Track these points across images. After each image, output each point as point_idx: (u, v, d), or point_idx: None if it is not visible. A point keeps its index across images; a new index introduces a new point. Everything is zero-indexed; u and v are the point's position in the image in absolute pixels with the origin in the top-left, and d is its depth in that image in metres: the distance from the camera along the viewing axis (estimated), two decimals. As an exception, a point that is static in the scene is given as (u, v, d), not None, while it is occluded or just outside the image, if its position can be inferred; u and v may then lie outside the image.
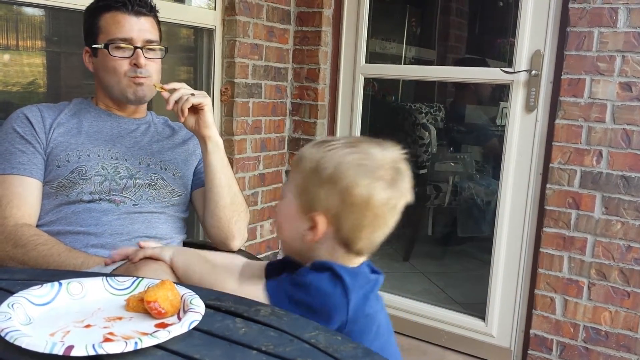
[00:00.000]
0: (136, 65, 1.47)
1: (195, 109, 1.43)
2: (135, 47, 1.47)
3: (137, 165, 1.50)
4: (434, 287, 3.22)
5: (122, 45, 1.47)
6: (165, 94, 1.42)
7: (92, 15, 1.51)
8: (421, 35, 4.90)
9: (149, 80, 1.50)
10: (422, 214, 3.78)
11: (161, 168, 1.53)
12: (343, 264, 0.96)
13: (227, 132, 2.56)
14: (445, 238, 3.93)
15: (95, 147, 1.47)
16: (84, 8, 1.56)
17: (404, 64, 4.47)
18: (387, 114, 3.90)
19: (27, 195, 1.39)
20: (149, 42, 1.50)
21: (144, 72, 1.48)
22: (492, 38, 4.55)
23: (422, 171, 3.62)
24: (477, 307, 2.61)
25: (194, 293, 0.88)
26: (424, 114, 3.79)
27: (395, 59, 4.43)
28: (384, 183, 0.93)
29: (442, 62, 4.73)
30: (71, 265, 1.29)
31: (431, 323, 2.67)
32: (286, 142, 2.89)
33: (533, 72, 2.30)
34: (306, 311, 0.91)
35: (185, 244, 1.66)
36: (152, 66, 1.50)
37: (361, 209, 0.92)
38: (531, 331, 2.39)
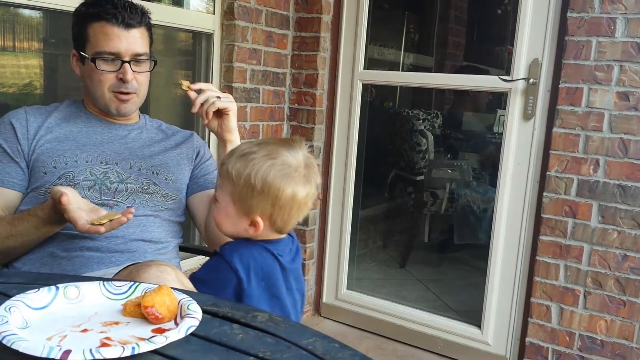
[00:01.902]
0: (122, 80, 1.45)
1: (220, 113, 1.42)
2: (123, 62, 1.44)
3: (127, 170, 1.48)
4: (430, 294, 3.22)
5: (109, 58, 1.43)
6: (192, 95, 1.41)
7: (81, 21, 1.47)
8: (420, 42, 4.91)
9: (134, 96, 1.49)
10: (419, 221, 3.78)
11: (153, 172, 1.51)
12: (271, 238, 1.22)
13: (224, 137, 2.55)
14: (441, 245, 3.93)
15: (84, 152, 1.45)
16: (69, 9, 1.53)
17: (402, 70, 4.48)
18: (385, 120, 3.91)
19: None
20: (137, 55, 1.46)
21: (129, 87, 1.46)
22: (491, 46, 4.57)
23: (419, 177, 3.62)
24: (473, 315, 2.61)
25: (191, 298, 0.88)
26: (421, 121, 3.80)
27: (393, 66, 4.43)
28: (301, 182, 1.16)
29: (440, 69, 4.74)
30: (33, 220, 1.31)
31: (427, 330, 2.67)
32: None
33: (531, 80, 2.31)
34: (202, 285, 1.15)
35: (182, 248, 1.66)
36: (139, 79, 1.48)
37: (288, 206, 1.16)
38: (527, 339, 2.39)
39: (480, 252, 2.77)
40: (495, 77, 2.42)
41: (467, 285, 3.24)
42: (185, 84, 1.45)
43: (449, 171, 3.70)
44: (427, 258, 3.84)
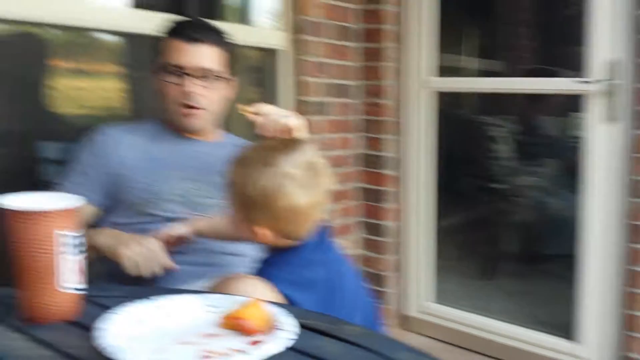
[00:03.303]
0: (185, 93, 1.48)
1: (286, 130, 1.44)
2: (186, 74, 1.47)
3: (211, 186, 1.51)
4: (518, 306, 3.09)
5: (174, 70, 1.48)
6: (252, 117, 1.42)
7: (160, 38, 1.56)
8: (486, 46, 4.82)
9: (202, 112, 1.51)
10: (502, 231, 3.65)
11: None
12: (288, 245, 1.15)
13: (296, 151, 2.58)
14: (528, 255, 3.77)
15: (168, 169, 1.50)
16: (153, 33, 1.60)
17: (470, 76, 4.39)
18: (455, 127, 3.83)
19: None
20: (204, 70, 1.49)
21: (193, 101, 1.48)
22: (561, 47, 4.41)
23: (498, 186, 3.52)
24: (563, 328, 2.49)
25: (284, 311, 0.88)
26: (496, 127, 3.71)
27: (460, 72, 4.36)
28: (300, 190, 1.08)
29: (510, 73, 4.62)
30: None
31: (514, 343, 2.57)
32: (356, 159, 2.88)
33: (610, 81, 2.21)
34: None
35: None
36: (208, 96, 1.50)
37: (290, 217, 1.09)
38: (630, 355, 2.25)
39: (565, 262, 2.64)
40: (570, 80, 2.33)
41: (556, 297, 3.09)
42: (241, 107, 1.44)
43: (528, 178, 3.58)
44: (514, 269, 3.69)
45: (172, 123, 1.57)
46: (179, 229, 1.37)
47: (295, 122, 1.41)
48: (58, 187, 1.48)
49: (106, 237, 1.40)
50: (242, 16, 2.81)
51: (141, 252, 1.30)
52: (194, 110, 1.50)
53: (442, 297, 2.93)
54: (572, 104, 3.59)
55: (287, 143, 1.17)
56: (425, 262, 2.85)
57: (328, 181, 1.15)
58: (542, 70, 3.74)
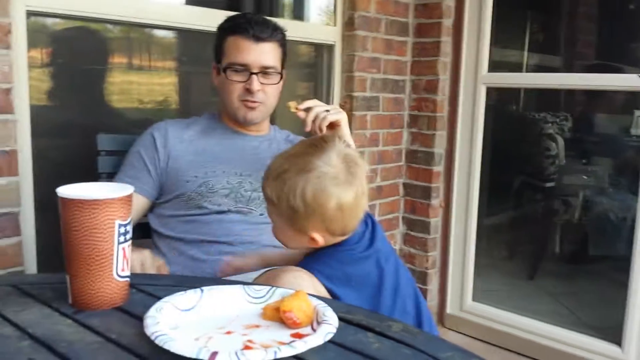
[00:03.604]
0: (249, 90, 1.52)
1: (332, 125, 1.45)
2: (251, 73, 1.52)
3: (259, 180, 1.53)
4: (562, 308, 3.02)
5: (239, 69, 1.53)
6: (302, 114, 1.45)
7: (220, 35, 1.59)
8: (544, 41, 4.67)
9: (261, 106, 1.56)
10: (549, 230, 3.57)
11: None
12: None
13: (345, 145, 2.58)
14: (574, 256, 3.67)
15: (221, 163, 1.54)
16: (210, 29, 1.64)
17: (526, 71, 4.27)
18: (509, 124, 3.75)
19: None
20: (266, 67, 1.54)
21: (256, 97, 1.53)
22: (624, 43, 4.24)
23: (549, 184, 3.43)
24: (612, 332, 2.41)
25: (326, 305, 0.88)
26: (550, 124, 3.60)
27: (516, 67, 4.24)
28: (344, 187, 1.08)
29: (568, 69, 4.47)
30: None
31: (556, 345, 2.51)
32: (404, 155, 2.86)
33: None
34: None
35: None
36: (267, 91, 1.55)
37: (339, 216, 1.09)
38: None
39: (618, 265, 2.56)
40: (635, 76, 2.23)
41: (603, 300, 3.00)
42: (292, 105, 1.48)
43: (583, 177, 3.46)
44: (558, 270, 3.61)
45: (229, 117, 1.61)
46: (244, 260, 1.38)
47: (336, 117, 1.43)
48: (114, 179, 1.53)
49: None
50: (296, 11, 2.83)
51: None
52: (255, 105, 1.55)
53: (484, 295, 2.89)
54: (633, 101, 3.45)
55: (315, 144, 1.14)
56: (468, 260, 2.81)
57: (364, 167, 1.14)
58: (603, 66, 3.61)
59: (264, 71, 1.54)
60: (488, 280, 3.06)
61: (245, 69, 1.53)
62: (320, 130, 1.43)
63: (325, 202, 1.07)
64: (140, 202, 1.52)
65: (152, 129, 1.58)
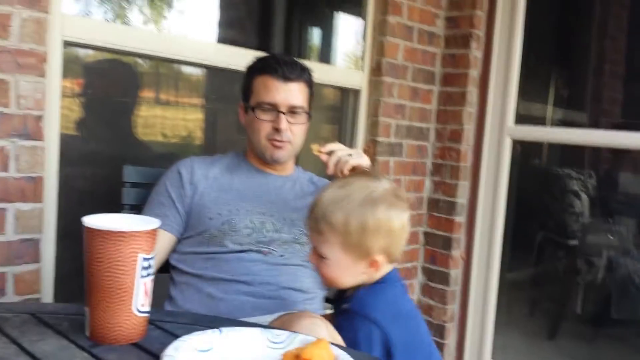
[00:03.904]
0: (277, 130, 1.53)
1: (354, 169, 1.44)
2: (279, 112, 1.53)
3: (281, 221, 1.54)
4: (579, 370, 2.92)
5: (267, 108, 1.53)
6: (324, 157, 1.44)
7: (249, 74, 1.60)
8: (569, 96, 4.67)
9: (288, 145, 1.56)
10: (571, 289, 3.47)
11: (304, 224, 1.56)
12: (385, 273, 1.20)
13: (367, 190, 2.57)
14: (596, 318, 3.56)
15: (245, 202, 1.53)
16: (239, 68, 1.66)
17: (550, 126, 4.26)
18: (533, 178, 3.71)
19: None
20: (294, 107, 1.55)
21: (284, 136, 1.54)
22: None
23: (572, 242, 3.36)
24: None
25: (348, 355, 0.86)
26: (574, 181, 3.56)
27: (540, 121, 4.23)
28: (401, 208, 1.18)
29: (593, 125, 4.44)
30: None
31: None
32: (425, 203, 2.84)
33: None
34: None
35: (328, 300, 1.66)
36: (294, 130, 1.56)
37: (400, 235, 1.18)
38: None
39: (638, 328, 2.47)
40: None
41: (626, 365, 2.90)
42: (315, 147, 1.48)
43: (608, 236, 3.39)
44: (579, 331, 3.50)
45: (255, 156, 1.62)
46: None
47: (358, 161, 1.43)
48: (141, 214, 1.53)
49: None
50: (323, 55, 2.87)
51: None
52: (283, 144, 1.55)
53: (503, 353, 2.81)
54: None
55: (364, 173, 1.27)
56: (487, 315, 2.74)
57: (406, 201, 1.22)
58: (630, 124, 3.58)
59: (292, 111, 1.55)
60: (507, 337, 2.98)
61: (274, 108, 1.53)
62: (342, 174, 1.43)
63: (393, 219, 1.15)
64: (168, 240, 1.51)
65: (177, 166, 1.58)
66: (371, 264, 1.16)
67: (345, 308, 1.18)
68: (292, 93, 1.54)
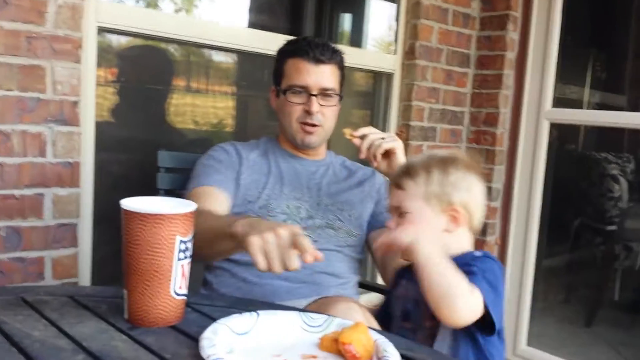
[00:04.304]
0: (308, 112, 1.51)
1: (387, 153, 1.42)
2: (310, 94, 1.51)
3: (315, 206, 1.53)
4: (621, 358, 2.86)
5: (298, 91, 1.52)
6: (357, 141, 1.43)
7: (280, 58, 1.58)
8: (608, 79, 4.54)
9: (319, 129, 1.54)
10: (608, 276, 3.40)
11: (338, 209, 1.55)
12: (468, 249, 1.21)
13: (400, 175, 2.54)
14: (634, 304, 3.49)
15: (282, 186, 1.53)
16: (271, 53, 1.64)
17: (587, 109, 4.15)
18: (570, 162, 3.63)
19: (220, 205, 1.43)
20: (325, 89, 1.52)
21: (315, 119, 1.52)
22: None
23: (610, 227, 3.28)
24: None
25: (386, 340, 0.84)
26: (612, 165, 3.46)
27: (577, 104, 4.13)
28: (478, 174, 1.20)
29: (634, 108, 4.32)
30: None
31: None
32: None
33: None
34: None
35: (361, 285, 1.65)
36: (325, 113, 1.54)
37: (480, 197, 1.19)
38: None
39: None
40: None
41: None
42: (347, 132, 1.47)
43: (644, 222, 3.31)
44: (618, 318, 3.43)
45: (288, 140, 1.60)
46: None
47: (392, 144, 1.41)
48: (190, 186, 1.50)
49: (241, 224, 1.10)
50: (354, 39, 2.84)
51: (274, 242, 1.00)
52: (314, 128, 1.53)
53: (539, 340, 2.76)
54: None
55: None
56: (523, 302, 2.70)
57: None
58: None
59: (323, 93, 1.53)
60: (543, 324, 2.93)
61: (305, 91, 1.52)
62: (375, 158, 1.41)
63: (472, 178, 1.18)
64: (229, 202, 1.46)
65: (220, 145, 1.57)
66: (452, 218, 1.16)
67: (474, 255, 1.17)
68: (323, 75, 1.52)
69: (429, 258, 1.06)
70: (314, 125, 1.53)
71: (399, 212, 1.19)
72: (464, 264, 1.10)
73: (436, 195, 1.16)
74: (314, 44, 1.53)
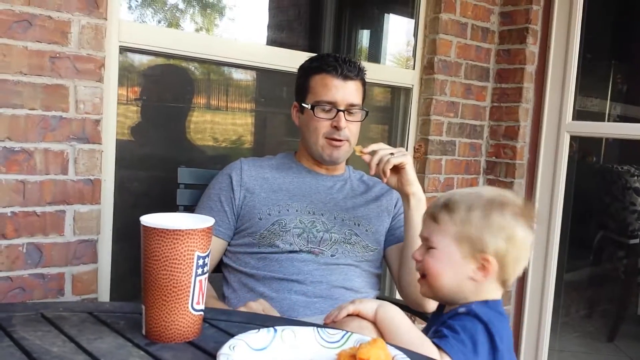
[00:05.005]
0: (336, 128, 1.52)
1: (397, 168, 1.43)
2: (338, 110, 1.52)
3: (332, 220, 1.53)
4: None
5: (326, 107, 1.53)
6: (367, 158, 1.44)
7: (304, 74, 1.60)
8: (628, 92, 4.49)
9: (346, 144, 1.55)
10: (631, 290, 3.34)
11: (355, 224, 1.55)
12: (494, 298, 1.10)
13: (418, 190, 2.53)
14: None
15: (295, 202, 1.53)
16: (291, 70, 1.65)
17: (608, 121, 4.11)
18: (590, 175, 3.58)
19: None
20: (352, 105, 1.54)
21: (342, 135, 1.53)
22: None
23: (632, 241, 3.22)
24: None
25: (405, 356, 0.83)
26: (634, 177, 3.41)
27: (598, 117, 4.09)
28: (529, 226, 1.08)
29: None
30: None
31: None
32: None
33: None
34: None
35: (380, 300, 1.64)
36: (351, 128, 1.55)
37: (520, 249, 1.07)
38: None
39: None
40: None
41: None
42: (357, 149, 1.49)
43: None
44: (639, 332, 3.36)
45: (310, 155, 1.61)
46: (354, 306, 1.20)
47: (400, 160, 1.41)
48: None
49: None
50: (373, 54, 2.85)
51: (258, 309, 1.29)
52: (341, 143, 1.55)
53: (560, 356, 2.72)
54: None
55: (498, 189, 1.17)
56: (544, 317, 2.65)
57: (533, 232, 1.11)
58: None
59: (349, 109, 1.54)
60: (564, 339, 2.89)
61: (332, 107, 1.53)
62: (384, 173, 1.41)
63: (517, 227, 1.06)
64: (217, 245, 1.52)
65: (228, 169, 1.59)
66: (482, 267, 1.06)
67: (457, 312, 1.09)
68: (350, 91, 1.54)
69: (398, 327, 1.03)
70: (341, 140, 1.54)
71: (427, 245, 1.12)
72: (442, 322, 1.07)
73: (469, 238, 1.06)
74: (341, 60, 1.55)
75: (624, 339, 3.20)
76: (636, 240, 3.26)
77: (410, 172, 1.44)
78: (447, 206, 1.09)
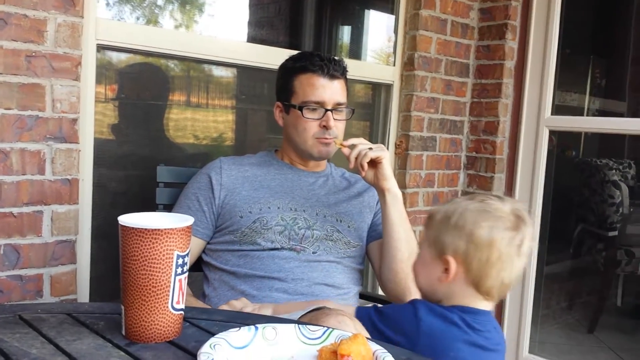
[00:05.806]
0: (325, 127, 1.52)
1: (374, 163, 1.43)
2: (326, 110, 1.52)
3: (314, 217, 1.53)
4: (620, 363, 2.85)
5: (314, 107, 1.53)
6: (346, 151, 1.45)
7: (287, 73, 1.58)
8: (607, 86, 4.55)
9: (332, 142, 1.55)
10: (610, 282, 3.39)
11: (337, 220, 1.55)
12: (471, 305, 1.08)
13: (399, 185, 2.47)
14: (637, 310, 3.48)
15: (276, 199, 1.53)
16: (271, 67, 1.64)
17: (587, 116, 4.16)
18: (570, 169, 3.63)
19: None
20: (339, 104, 1.55)
21: (331, 133, 1.53)
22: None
23: (611, 233, 3.27)
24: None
25: (385, 351, 0.84)
26: (613, 171, 3.46)
27: (577, 111, 4.14)
28: (504, 226, 1.04)
29: (634, 114, 4.32)
30: None
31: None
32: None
33: None
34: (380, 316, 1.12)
35: (362, 295, 1.65)
36: (339, 127, 1.56)
37: (485, 250, 1.03)
38: None
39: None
40: None
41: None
42: (337, 141, 1.51)
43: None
44: (620, 324, 3.42)
45: (295, 153, 1.61)
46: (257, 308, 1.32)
47: (377, 154, 1.42)
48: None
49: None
50: (354, 51, 2.85)
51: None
52: (328, 141, 1.55)
53: (541, 348, 2.75)
54: None
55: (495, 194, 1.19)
56: (525, 309, 2.69)
57: (532, 233, 1.08)
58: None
59: (336, 108, 1.55)
60: (545, 331, 2.92)
61: (320, 107, 1.53)
62: (362, 166, 1.42)
63: (479, 224, 1.03)
64: (195, 244, 1.51)
65: (206, 169, 1.58)
66: (444, 266, 1.07)
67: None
68: (336, 90, 1.55)
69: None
70: (330, 139, 1.55)
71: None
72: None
73: (434, 240, 1.09)
74: (327, 59, 1.55)
75: (604, 330, 3.25)
76: (615, 233, 3.31)
77: (387, 168, 1.45)
78: (430, 212, 1.14)
